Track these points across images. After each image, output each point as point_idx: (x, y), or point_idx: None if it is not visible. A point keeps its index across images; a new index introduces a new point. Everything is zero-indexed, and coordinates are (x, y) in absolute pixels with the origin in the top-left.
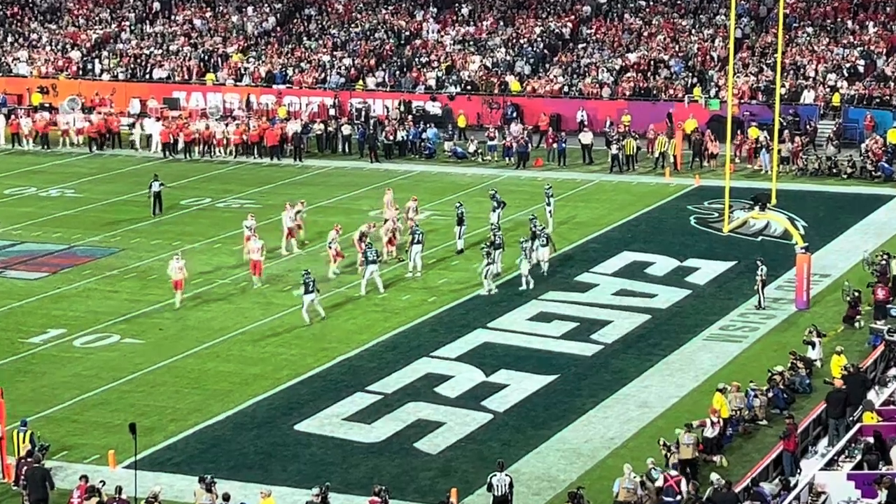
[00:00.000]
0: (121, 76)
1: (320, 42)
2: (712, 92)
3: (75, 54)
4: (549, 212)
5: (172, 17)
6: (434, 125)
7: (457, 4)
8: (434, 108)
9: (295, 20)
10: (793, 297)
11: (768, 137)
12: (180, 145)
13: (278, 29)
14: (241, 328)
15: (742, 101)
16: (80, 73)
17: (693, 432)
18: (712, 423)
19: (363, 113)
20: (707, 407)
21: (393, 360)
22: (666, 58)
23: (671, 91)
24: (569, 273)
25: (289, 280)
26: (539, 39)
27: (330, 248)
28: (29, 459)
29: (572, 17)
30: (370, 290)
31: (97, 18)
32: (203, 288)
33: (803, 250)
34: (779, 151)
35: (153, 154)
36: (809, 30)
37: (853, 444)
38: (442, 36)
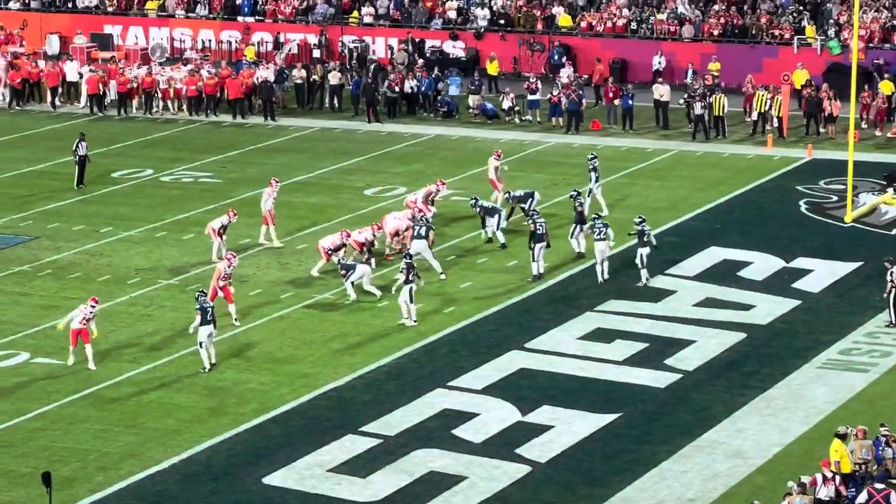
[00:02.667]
0: (34, 4)
1: None
2: (831, 32)
3: None
4: (594, 192)
5: None
6: (455, 72)
7: None
8: (455, 49)
9: None
10: None
11: None
12: (109, 97)
13: None
14: (193, 345)
15: (871, 44)
16: None
17: (808, 494)
18: (825, 480)
19: (358, 55)
20: (821, 459)
21: (397, 392)
22: None
23: (776, 31)
24: (636, 276)
25: (257, 282)
26: None
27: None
28: None
29: None
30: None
31: None
32: (141, 290)
33: None
34: None
35: (78, 109)
36: None
37: None
38: None
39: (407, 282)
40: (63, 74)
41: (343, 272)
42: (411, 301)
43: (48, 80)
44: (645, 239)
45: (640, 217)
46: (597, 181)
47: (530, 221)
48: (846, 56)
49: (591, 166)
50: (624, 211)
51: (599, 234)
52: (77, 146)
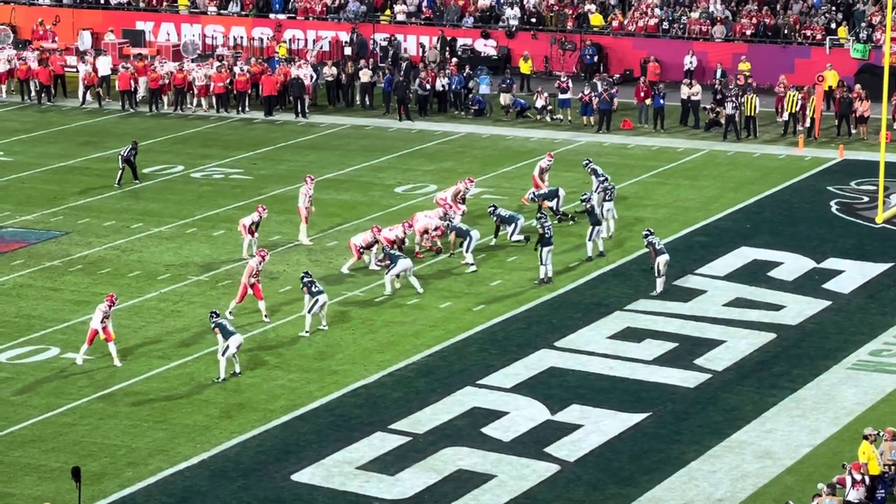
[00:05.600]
0: (67, 0)
1: None
2: (863, 34)
3: None
4: (601, 191)
5: None
6: (485, 71)
7: None
8: (487, 47)
9: None
10: None
11: None
12: (140, 93)
13: None
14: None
15: None
16: None
17: (839, 495)
18: (854, 482)
19: (390, 53)
20: (851, 460)
21: (426, 390)
22: None
23: (807, 31)
24: (666, 276)
25: (287, 279)
26: None
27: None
28: None
29: None
30: (398, 291)
31: None
32: (171, 286)
33: None
34: None
35: (110, 105)
36: None
37: None
38: None
39: (312, 294)
40: (96, 72)
41: (385, 263)
42: (309, 311)
43: (85, 79)
44: (658, 247)
45: (647, 230)
46: (598, 184)
47: (538, 225)
48: (878, 57)
49: (588, 170)
50: (656, 210)
51: (610, 196)
52: (128, 153)
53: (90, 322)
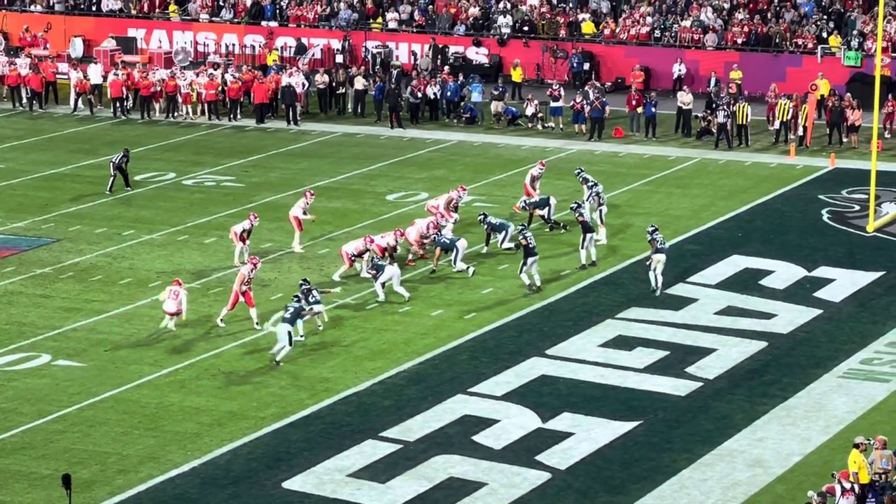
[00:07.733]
0: (58, 7)
1: None
2: (854, 42)
3: None
4: (590, 203)
5: None
6: (477, 79)
7: None
8: (478, 55)
9: None
10: None
11: None
12: (131, 100)
13: None
14: (214, 349)
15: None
16: (5, 1)
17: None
18: (843, 491)
19: (382, 61)
20: (841, 468)
21: (417, 398)
22: None
23: (799, 39)
24: (662, 276)
25: (278, 286)
26: None
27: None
28: None
29: None
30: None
31: None
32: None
33: None
34: None
35: (102, 112)
36: None
37: None
38: None
39: (309, 304)
40: (88, 81)
41: (373, 272)
42: (302, 318)
43: (76, 86)
44: (659, 245)
45: (652, 226)
46: (590, 192)
47: (521, 237)
48: (870, 66)
49: (580, 179)
50: (647, 218)
51: (603, 200)
52: (119, 160)
53: (164, 306)
